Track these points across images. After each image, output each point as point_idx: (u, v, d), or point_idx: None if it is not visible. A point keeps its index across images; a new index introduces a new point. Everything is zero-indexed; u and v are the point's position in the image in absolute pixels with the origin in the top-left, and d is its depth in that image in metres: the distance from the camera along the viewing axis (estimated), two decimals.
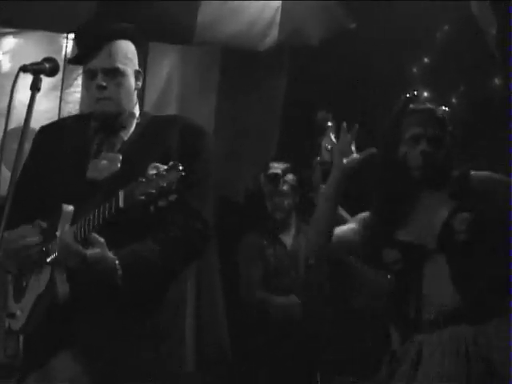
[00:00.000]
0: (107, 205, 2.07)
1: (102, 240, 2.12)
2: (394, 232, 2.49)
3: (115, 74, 2.33)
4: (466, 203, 2.44)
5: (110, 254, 2.14)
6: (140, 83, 2.44)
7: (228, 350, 4.43)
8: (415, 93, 2.68)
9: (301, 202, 4.21)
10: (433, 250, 2.42)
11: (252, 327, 4.10)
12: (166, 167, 1.98)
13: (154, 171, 1.97)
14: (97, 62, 2.33)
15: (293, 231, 4.24)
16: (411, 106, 2.57)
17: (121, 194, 2.02)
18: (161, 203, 1.96)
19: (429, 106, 2.57)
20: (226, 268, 4.47)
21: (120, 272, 2.14)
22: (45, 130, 2.51)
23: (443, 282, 2.39)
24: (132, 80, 2.39)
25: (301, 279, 4.07)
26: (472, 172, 2.50)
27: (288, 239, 4.20)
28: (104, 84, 2.32)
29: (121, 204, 2.02)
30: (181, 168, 1.97)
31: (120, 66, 2.34)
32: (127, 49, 2.38)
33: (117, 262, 2.15)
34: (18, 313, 2.27)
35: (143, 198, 1.96)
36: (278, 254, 4.15)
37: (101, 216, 2.09)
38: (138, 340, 2.23)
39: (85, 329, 2.20)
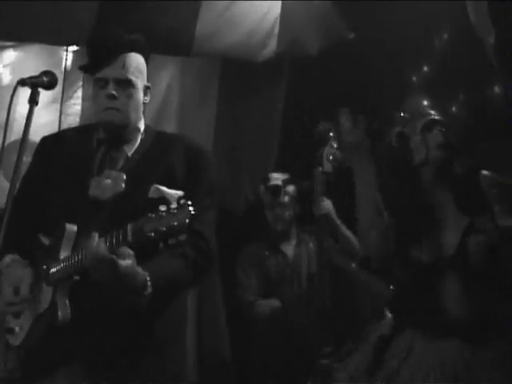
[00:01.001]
0: (114, 236, 2.01)
1: (131, 252, 2.04)
2: (407, 248, 2.48)
3: (127, 85, 2.32)
4: (479, 222, 2.43)
5: (140, 270, 2.07)
6: (148, 98, 2.43)
7: (229, 362, 4.42)
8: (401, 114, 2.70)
9: (301, 212, 4.21)
10: (445, 268, 2.41)
11: (253, 338, 4.09)
12: (176, 205, 1.93)
13: (164, 208, 1.93)
14: (109, 72, 2.31)
15: (294, 242, 4.23)
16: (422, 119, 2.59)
17: (129, 228, 1.97)
18: (171, 241, 1.92)
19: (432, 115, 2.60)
20: (227, 280, 4.46)
21: (150, 290, 2.08)
22: (46, 141, 2.49)
23: (454, 298, 2.38)
24: (141, 94, 2.39)
25: (303, 289, 4.06)
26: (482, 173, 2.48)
27: (289, 250, 4.20)
28: (115, 94, 2.30)
29: (129, 238, 1.97)
30: (191, 209, 1.92)
31: (132, 78, 2.33)
32: (138, 62, 2.37)
33: (148, 278, 2.09)
34: (17, 329, 2.25)
35: (152, 234, 1.91)
36: (279, 265, 4.14)
37: (107, 246, 2.02)
38: (140, 355, 2.22)
39: (85, 345, 2.19)
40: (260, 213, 4.29)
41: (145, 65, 2.42)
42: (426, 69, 4.73)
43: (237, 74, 4.92)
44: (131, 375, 2.19)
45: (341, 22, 4.66)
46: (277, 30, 4.57)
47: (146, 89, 2.42)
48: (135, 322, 2.18)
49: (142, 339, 2.22)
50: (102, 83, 2.33)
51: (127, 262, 2.03)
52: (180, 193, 2.06)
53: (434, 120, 2.59)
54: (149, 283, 2.08)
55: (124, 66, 2.32)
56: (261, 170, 4.72)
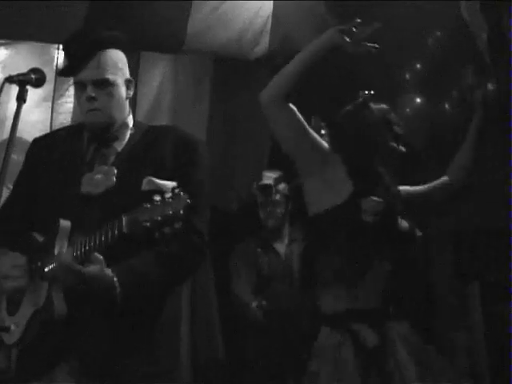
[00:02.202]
0: (109, 228, 2.03)
1: (100, 257, 2.09)
2: None
3: (105, 84, 2.30)
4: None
5: (108, 272, 2.11)
6: (131, 92, 2.41)
7: (223, 361, 4.41)
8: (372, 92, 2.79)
9: (293, 210, 4.21)
10: None
11: (247, 338, 4.09)
12: (171, 194, 1.94)
13: (159, 197, 1.94)
14: (86, 74, 2.30)
15: (286, 240, 4.23)
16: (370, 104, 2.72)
17: (124, 219, 1.98)
18: (166, 230, 1.94)
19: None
20: (220, 278, 4.46)
21: (119, 289, 2.12)
22: (38, 141, 2.48)
23: None
24: (123, 90, 2.36)
25: (294, 287, 4.06)
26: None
27: (281, 247, 4.20)
28: (93, 95, 2.29)
29: (124, 229, 1.98)
30: (186, 197, 1.93)
31: (110, 76, 2.30)
32: (117, 58, 2.35)
33: (115, 279, 2.12)
34: (13, 327, 2.24)
35: (148, 224, 1.93)
36: (271, 262, 4.14)
37: (103, 239, 2.05)
38: (135, 355, 2.21)
39: (81, 344, 2.18)
40: (252, 211, 4.28)
41: (124, 59, 2.39)
42: (418, 66, 4.73)
43: (229, 72, 4.91)
44: (125, 373, 2.18)
45: (333, 19, 4.65)
46: (269, 27, 4.57)
47: (129, 83, 2.39)
48: (120, 321, 2.17)
49: (136, 337, 2.21)
50: (80, 86, 2.32)
51: (93, 268, 2.08)
52: (174, 183, 2.07)
53: None
54: (116, 284, 2.11)
55: (99, 66, 2.30)
56: (254, 168, 4.71)
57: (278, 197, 4.20)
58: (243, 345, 4.11)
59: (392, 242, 2.61)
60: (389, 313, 2.59)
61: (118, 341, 2.19)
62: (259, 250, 4.18)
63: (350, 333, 2.49)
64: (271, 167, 4.46)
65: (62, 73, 2.46)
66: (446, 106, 4.59)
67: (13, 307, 2.28)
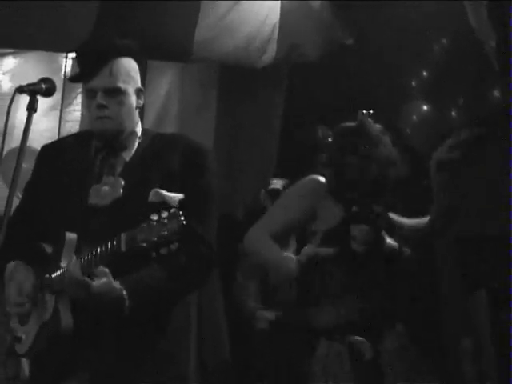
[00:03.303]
0: (109, 245, 2.03)
1: (106, 270, 2.08)
2: None
3: (116, 93, 2.29)
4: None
5: (117, 284, 2.10)
6: (142, 101, 2.40)
7: (230, 366, 4.41)
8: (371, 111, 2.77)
9: None
10: None
11: (252, 343, 4.09)
12: (167, 214, 1.93)
13: (156, 217, 1.93)
14: (97, 82, 2.29)
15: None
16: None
17: (122, 238, 1.98)
18: (162, 251, 1.93)
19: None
20: (227, 286, 4.46)
21: (128, 302, 2.11)
22: (47, 149, 2.47)
23: None
24: (133, 98, 2.35)
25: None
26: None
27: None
28: (104, 103, 2.28)
29: (122, 248, 1.98)
30: (182, 218, 1.93)
31: (121, 85, 2.29)
32: (129, 66, 2.34)
33: (124, 292, 2.11)
34: (24, 337, 2.25)
35: (144, 244, 1.93)
36: None
37: (103, 255, 2.05)
38: (144, 365, 2.21)
39: (89, 356, 2.18)
40: (259, 217, 4.28)
41: (136, 68, 2.38)
42: (425, 73, 4.73)
43: (236, 80, 4.92)
44: (135, 380, 2.18)
45: (340, 27, 4.67)
46: (276, 35, 4.57)
47: (139, 92, 2.38)
48: (134, 332, 2.17)
49: (143, 347, 2.21)
50: (91, 93, 2.31)
51: (101, 281, 2.08)
52: (180, 196, 2.05)
53: None
54: (125, 297, 2.11)
55: (111, 74, 2.29)
56: (260, 176, 4.72)
57: None
58: (250, 351, 4.11)
59: (380, 263, 2.63)
60: (384, 326, 2.61)
61: (126, 352, 2.19)
62: None
63: (347, 345, 2.53)
64: (278, 175, 4.46)
65: (73, 79, 2.44)
66: (453, 113, 4.59)
67: (24, 318, 2.28)
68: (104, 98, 2.28)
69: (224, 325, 4.53)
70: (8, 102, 2.06)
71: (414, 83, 4.78)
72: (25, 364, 2.32)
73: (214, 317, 4.54)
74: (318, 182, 2.71)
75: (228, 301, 4.49)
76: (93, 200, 2.27)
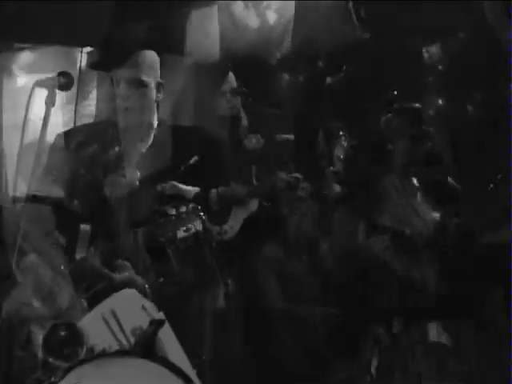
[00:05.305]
0: (127, 239, 2.04)
1: (127, 264, 2.10)
2: None
3: (139, 84, 2.32)
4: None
5: (138, 278, 2.11)
6: (161, 95, 2.42)
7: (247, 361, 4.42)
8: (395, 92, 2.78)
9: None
10: None
11: (271, 338, 4.09)
12: (185, 209, 1.93)
13: (174, 212, 1.93)
14: (121, 72, 2.31)
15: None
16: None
17: (140, 233, 2.00)
18: (181, 246, 1.94)
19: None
20: (244, 279, 4.45)
21: (150, 297, 2.12)
22: (65, 136, 2.49)
23: None
24: (154, 92, 2.38)
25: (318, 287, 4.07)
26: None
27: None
28: (127, 94, 2.30)
29: (140, 242, 2.00)
30: (201, 213, 1.93)
31: (145, 77, 2.32)
32: (152, 59, 2.36)
33: (146, 286, 2.12)
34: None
35: (162, 239, 1.94)
36: (296, 265, 4.14)
37: (122, 249, 2.06)
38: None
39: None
40: (276, 212, 4.27)
41: (158, 60, 2.40)
42: (441, 68, 4.72)
43: (251, 73, 4.91)
44: None
45: (355, 21, 4.65)
46: (291, 28, 4.57)
47: (159, 86, 2.41)
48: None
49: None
50: (114, 83, 2.33)
51: (123, 275, 2.12)
52: (196, 189, 2.07)
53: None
54: (148, 290, 2.15)
55: (136, 65, 2.31)
56: (274, 169, 4.71)
57: (303, 193, 4.17)
58: (267, 344, 4.11)
59: None
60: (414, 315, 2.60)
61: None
62: (283, 256, 4.17)
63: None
64: (290, 170, 4.45)
65: (93, 66, 2.46)
66: (469, 107, 4.57)
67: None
68: (127, 89, 2.30)
69: (241, 319, 4.52)
70: (25, 96, 2.08)
71: (430, 78, 4.76)
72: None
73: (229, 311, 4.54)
74: None
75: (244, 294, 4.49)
76: (108, 190, 2.28)
